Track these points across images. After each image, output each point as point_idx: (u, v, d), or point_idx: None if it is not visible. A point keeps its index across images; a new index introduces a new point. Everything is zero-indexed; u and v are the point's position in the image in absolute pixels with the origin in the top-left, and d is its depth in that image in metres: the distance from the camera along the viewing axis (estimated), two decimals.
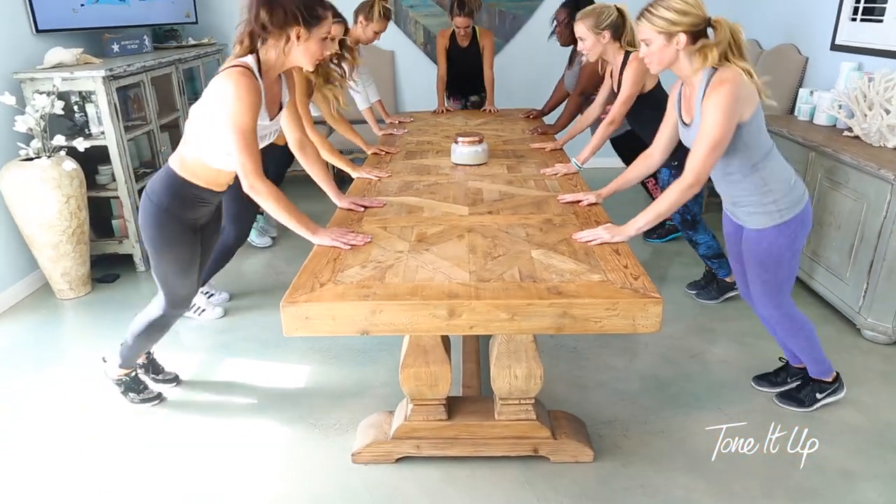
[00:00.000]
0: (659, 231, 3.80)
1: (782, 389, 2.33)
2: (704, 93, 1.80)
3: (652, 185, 3.85)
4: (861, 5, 3.47)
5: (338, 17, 2.54)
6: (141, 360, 2.46)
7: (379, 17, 3.14)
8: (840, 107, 3.11)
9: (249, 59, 1.80)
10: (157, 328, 2.22)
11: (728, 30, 1.78)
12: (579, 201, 2.22)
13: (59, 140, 3.02)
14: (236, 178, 2.04)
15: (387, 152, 3.01)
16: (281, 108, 2.00)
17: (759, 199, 1.93)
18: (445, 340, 1.93)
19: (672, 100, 2.04)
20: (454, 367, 2.00)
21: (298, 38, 1.79)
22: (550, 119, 3.65)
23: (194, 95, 4.18)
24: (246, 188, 1.82)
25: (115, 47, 3.81)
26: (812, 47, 3.83)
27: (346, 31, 2.70)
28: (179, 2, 4.43)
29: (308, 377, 2.53)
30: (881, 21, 3.29)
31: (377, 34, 3.22)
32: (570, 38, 3.45)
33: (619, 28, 2.60)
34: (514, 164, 2.77)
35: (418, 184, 2.51)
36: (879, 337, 2.65)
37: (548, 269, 1.71)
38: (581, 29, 2.62)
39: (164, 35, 4.44)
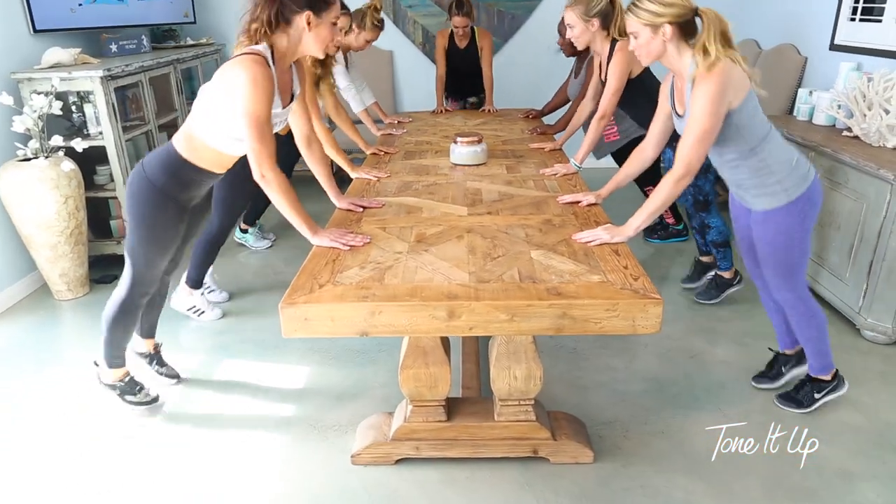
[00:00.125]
0: (661, 232, 3.79)
1: (778, 386, 2.33)
2: (693, 83, 1.80)
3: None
4: (860, 5, 3.47)
5: (344, 7, 2.55)
6: (146, 350, 2.48)
7: (371, 26, 3.15)
8: (839, 107, 3.10)
9: (262, 48, 1.79)
10: (125, 312, 2.15)
11: (716, 19, 1.77)
12: (578, 202, 2.22)
13: (57, 140, 3.01)
14: (235, 165, 2.05)
15: (385, 152, 3.01)
16: (293, 98, 1.99)
17: (762, 180, 1.92)
18: (445, 341, 1.93)
19: (664, 92, 2.05)
20: (454, 368, 2.00)
21: (309, 23, 1.79)
22: (549, 119, 3.65)
23: (192, 95, 4.17)
24: (257, 176, 1.82)
25: (114, 47, 3.80)
26: (811, 47, 3.83)
27: (350, 22, 2.71)
28: (178, 2, 4.43)
29: (307, 378, 2.52)
30: (880, 21, 3.29)
31: (368, 42, 3.24)
32: (573, 49, 3.45)
33: (608, 16, 2.59)
34: (513, 164, 2.77)
35: (417, 184, 2.51)
36: (879, 337, 2.65)
37: (547, 269, 1.70)
38: (570, 16, 2.62)
39: (162, 35, 4.43)
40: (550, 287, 1.60)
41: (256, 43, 1.81)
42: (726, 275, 3.00)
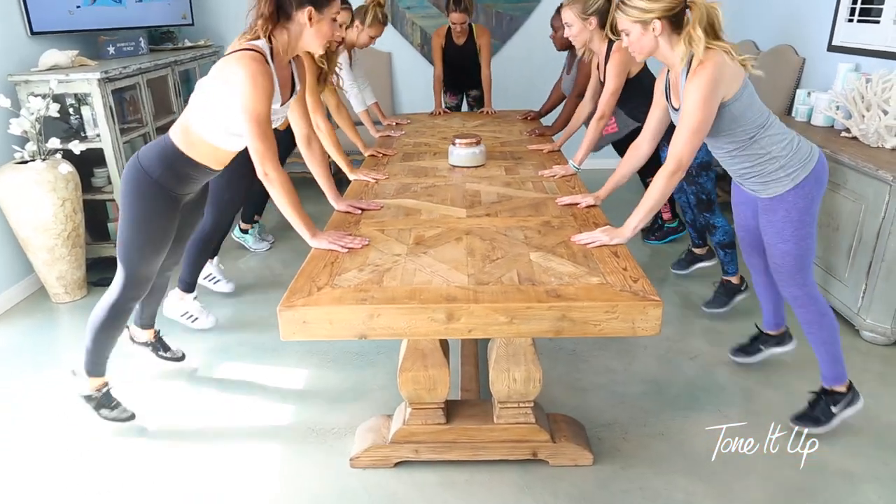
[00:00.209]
0: (658, 233, 3.79)
1: (754, 362, 2.40)
2: (687, 77, 1.81)
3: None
4: (858, 6, 3.47)
5: (345, 2, 2.54)
6: (148, 339, 2.51)
7: (374, 22, 3.13)
8: (837, 108, 3.11)
9: (261, 43, 1.79)
10: (114, 317, 2.09)
11: (704, 10, 1.76)
12: (577, 203, 2.22)
13: (55, 143, 3.00)
14: (232, 162, 2.04)
15: (384, 154, 3.00)
16: (293, 94, 1.99)
17: (764, 168, 1.91)
18: (444, 344, 1.92)
19: (659, 86, 2.05)
20: (452, 371, 1.99)
21: (311, 19, 1.78)
22: (548, 120, 3.64)
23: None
24: (260, 175, 1.81)
25: (111, 49, 3.79)
26: (809, 48, 3.83)
27: (353, 18, 2.70)
28: (176, 3, 4.42)
29: (305, 381, 2.52)
30: (878, 22, 3.30)
31: (373, 38, 3.22)
32: (565, 43, 3.46)
33: (605, 14, 2.58)
34: (511, 165, 2.76)
35: (416, 186, 2.50)
36: (878, 338, 2.65)
37: (546, 271, 1.70)
38: (568, 15, 2.61)
39: (160, 37, 4.42)
40: (550, 289, 1.60)
41: (256, 38, 1.80)
42: (734, 280, 2.92)
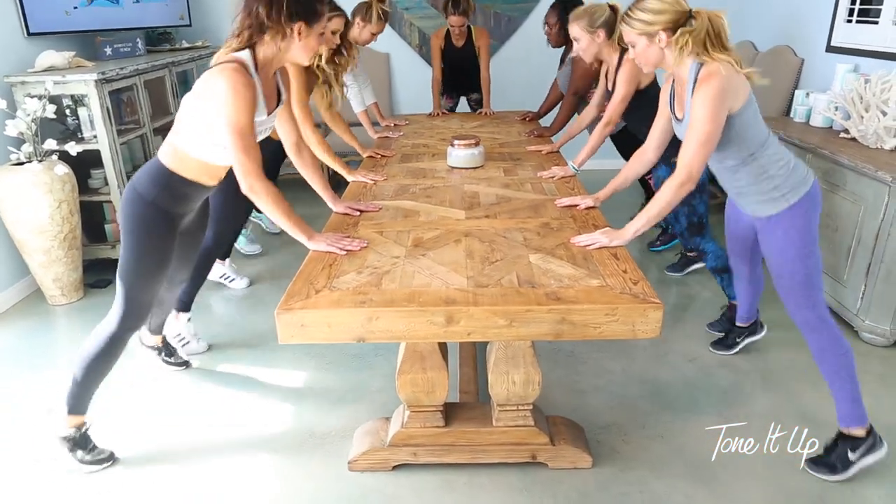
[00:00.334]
0: (662, 238, 3.77)
1: (732, 354, 2.55)
2: (693, 88, 1.80)
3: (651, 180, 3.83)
4: (856, 7, 3.47)
5: (337, 9, 2.52)
6: (156, 343, 2.55)
7: (377, 19, 3.11)
8: (836, 108, 3.10)
9: (244, 55, 1.76)
10: (108, 351, 1.98)
11: (707, 19, 1.76)
12: (577, 205, 2.21)
13: (51, 144, 2.99)
14: (227, 177, 2.02)
15: (382, 155, 2.99)
16: (279, 104, 1.97)
17: (761, 186, 1.91)
18: (442, 346, 1.91)
19: (664, 96, 2.05)
20: (451, 373, 1.98)
21: (300, 34, 1.77)
22: (546, 121, 3.64)
23: None
24: (245, 189, 1.78)
25: (108, 50, 3.78)
26: (808, 49, 3.83)
27: (347, 23, 2.67)
28: (173, 4, 4.40)
29: (303, 383, 2.50)
30: (877, 23, 3.30)
31: (374, 35, 3.19)
32: (559, 40, 3.46)
33: (612, 25, 2.57)
34: (510, 167, 2.75)
35: (414, 187, 2.49)
36: (878, 339, 2.64)
37: (546, 273, 1.69)
38: (575, 29, 2.60)
39: (157, 38, 4.41)
40: (549, 292, 1.59)
41: (241, 49, 1.78)
42: (736, 303, 2.73)
